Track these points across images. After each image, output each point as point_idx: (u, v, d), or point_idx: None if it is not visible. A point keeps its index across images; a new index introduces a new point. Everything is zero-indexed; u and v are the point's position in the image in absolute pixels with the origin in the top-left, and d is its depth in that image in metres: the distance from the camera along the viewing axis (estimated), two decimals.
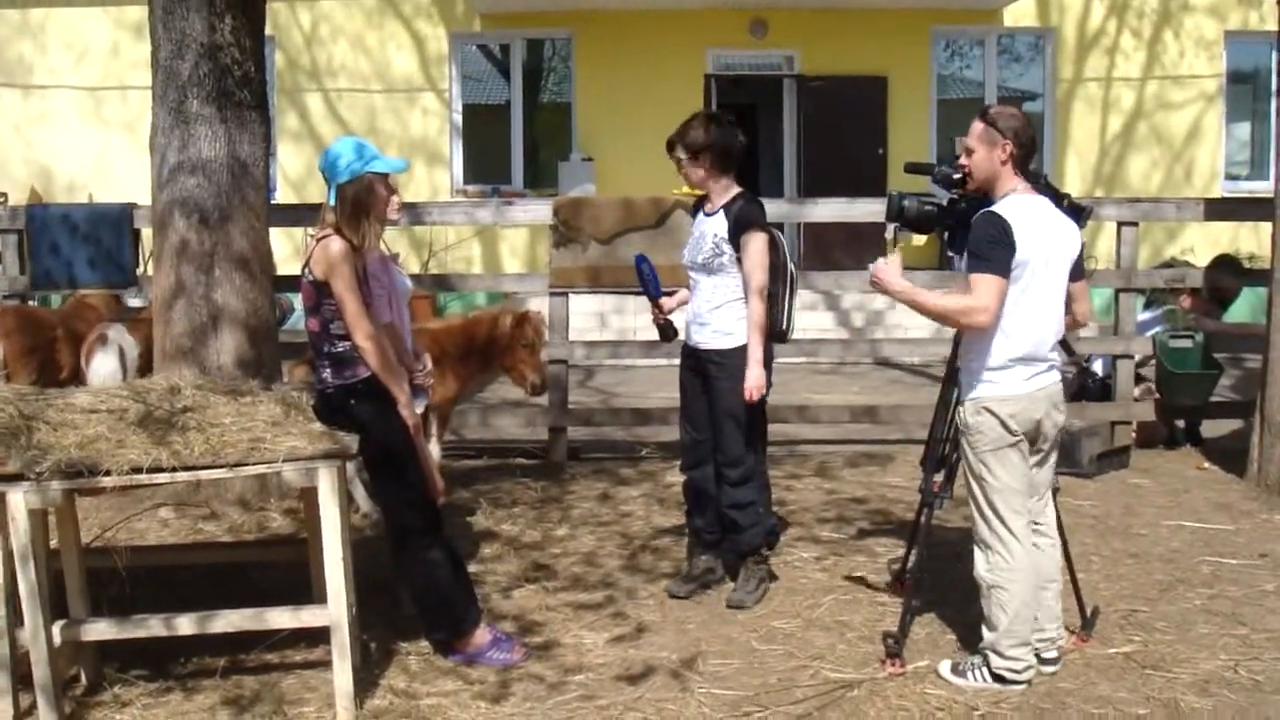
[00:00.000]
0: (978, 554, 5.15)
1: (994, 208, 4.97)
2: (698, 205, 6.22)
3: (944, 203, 5.54)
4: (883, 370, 13.98)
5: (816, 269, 14.95)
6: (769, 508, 6.39)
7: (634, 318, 14.70)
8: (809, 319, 15.16)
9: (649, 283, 6.06)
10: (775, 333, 6.05)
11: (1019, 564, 5.04)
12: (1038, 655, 5.20)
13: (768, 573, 6.32)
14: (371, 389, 5.16)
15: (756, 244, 5.89)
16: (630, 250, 9.07)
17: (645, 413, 9.78)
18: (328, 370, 5.20)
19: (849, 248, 16.25)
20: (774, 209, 9.81)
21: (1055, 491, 5.52)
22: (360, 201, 5.10)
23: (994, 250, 4.84)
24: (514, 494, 8.46)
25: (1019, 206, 4.96)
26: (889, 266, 5.11)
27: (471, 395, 8.98)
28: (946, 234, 5.56)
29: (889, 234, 5.58)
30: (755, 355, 5.89)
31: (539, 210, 9.73)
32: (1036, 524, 5.20)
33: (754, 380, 5.87)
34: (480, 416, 9.88)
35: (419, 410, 5.49)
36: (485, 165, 17.86)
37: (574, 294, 9.73)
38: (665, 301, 6.23)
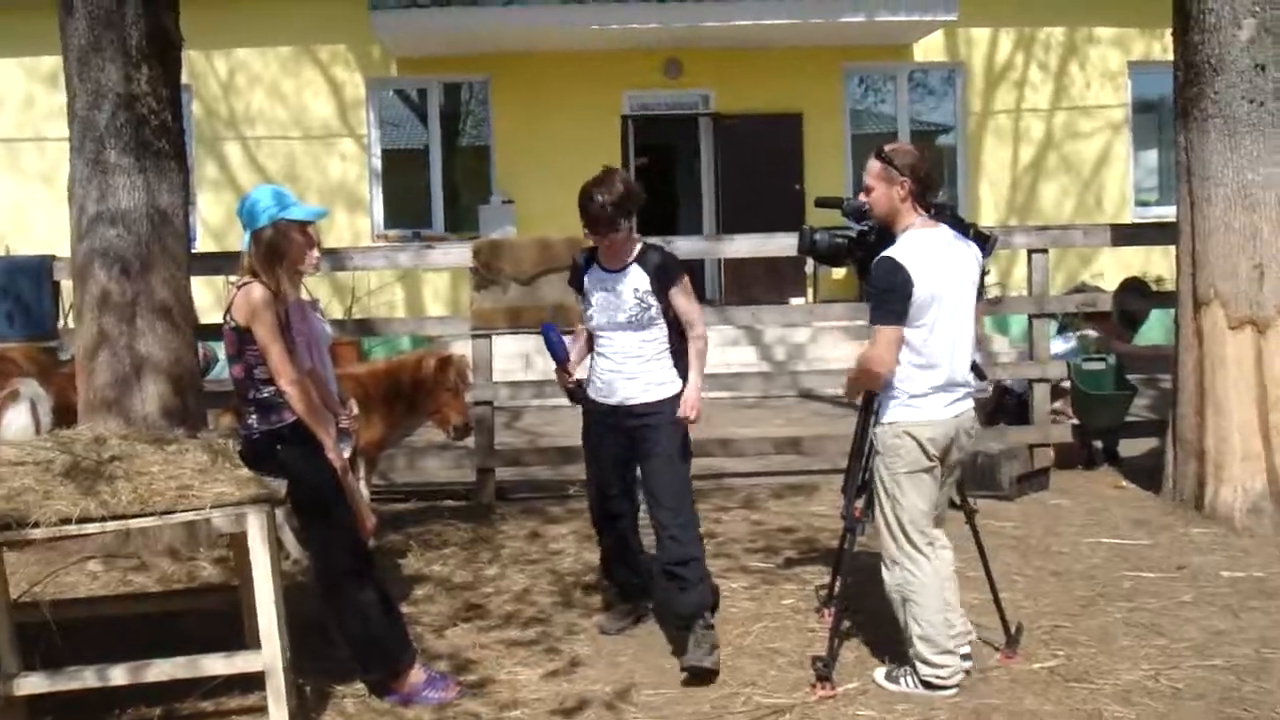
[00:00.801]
0: (886, 571, 5.31)
1: (890, 251, 5.13)
2: (588, 262, 5.90)
3: (855, 234, 5.68)
4: (805, 402, 14.13)
5: (736, 304, 15.12)
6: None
7: None
8: (731, 354, 15.31)
9: (556, 348, 5.81)
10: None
11: (926, 578, 5.23)
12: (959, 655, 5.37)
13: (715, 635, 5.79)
14: (298, 433, 5.19)
15: (687, 289, 5.88)
16: (551, 291, 9.17)
17: (571, 451, 9.73)
18: (253, 416, 5.22)
19: (768, 282, 16.48)
20: (691, 246, 9.98)
21: (974, 514, 5.66)
22: (275, 247, 5.15)
23: (889, 300, 5.04)
24: (444, 535, 8.46)
25: (916, 244, 5.12)
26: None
27: (398, 440, 8.98)
28: (858, 265, 5.70)
29: (809, 268, 5.72)
30: (697, 381, 5.86)
31: (459, 253, 9.78)
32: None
33: (693, 394, 5.79)
34: (408, 460, 9.88)
35: (345, 454, 5.51)
36: (405, 209, 17.91)
37: (496, 335, 9.77)
38: (573, 365, 5.99)
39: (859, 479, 5.57)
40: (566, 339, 5.97)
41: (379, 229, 17.71)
